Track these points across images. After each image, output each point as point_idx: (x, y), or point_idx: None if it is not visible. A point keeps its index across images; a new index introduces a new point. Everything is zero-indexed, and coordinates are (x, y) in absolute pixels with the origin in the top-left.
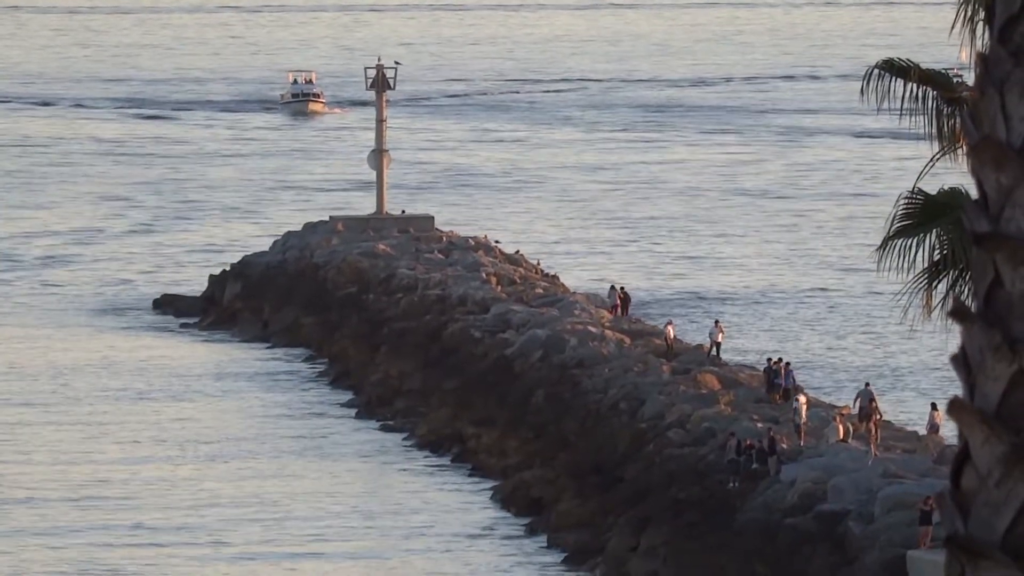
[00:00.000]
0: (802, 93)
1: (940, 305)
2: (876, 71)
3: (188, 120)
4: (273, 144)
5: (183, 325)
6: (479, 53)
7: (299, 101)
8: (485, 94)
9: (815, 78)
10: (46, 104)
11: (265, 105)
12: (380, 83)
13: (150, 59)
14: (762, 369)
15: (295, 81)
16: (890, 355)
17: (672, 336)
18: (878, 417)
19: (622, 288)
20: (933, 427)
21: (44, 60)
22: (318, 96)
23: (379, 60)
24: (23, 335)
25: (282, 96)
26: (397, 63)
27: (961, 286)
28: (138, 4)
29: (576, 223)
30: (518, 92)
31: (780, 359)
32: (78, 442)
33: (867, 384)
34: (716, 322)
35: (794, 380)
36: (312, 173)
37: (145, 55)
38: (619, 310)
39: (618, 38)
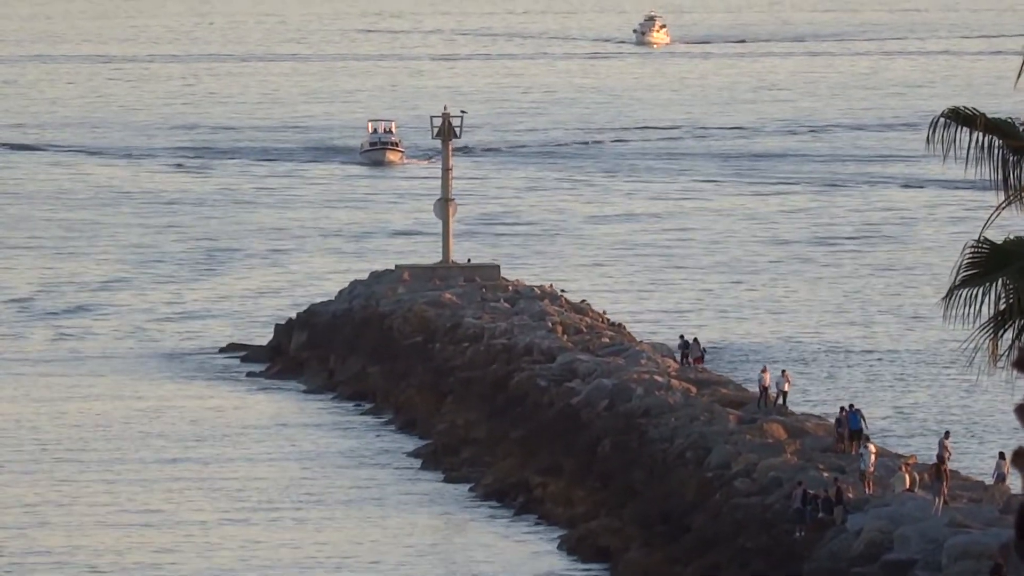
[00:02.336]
0: (868, 141)
1: (1006, 354)
2: (942, 120)
3: (259, 169)
4: (341, 192)
5: (249, 374)
6: (547, 102)
7: (377, 150)
8: (552, 143)
9: (882, 127)
10: (118, 155)
11: (340, 154)
12: (446, 132)
13: (222, 108)
14: (834, 419)
15: (375, 130)
16: (956, 404)
17: (768, 382)
18: (946, 466)
19: (695, 339)
20: (1000, 477)
21: (117, 110)
22: (396, 145)
23: (445, 109)
24: (91, 385)
25: (361, 145)
26: (463, 112)
27: None
28: (206, 52)
29: (643, 272)
30: (587, 143)
31: (851, 406)
32: (146, 498)
33: (946, 433)
34: (783, 372)
35: (864, 424)
36: (379, 221)
37: (218, 103)
38: (695, 360)
39: (683, 86)
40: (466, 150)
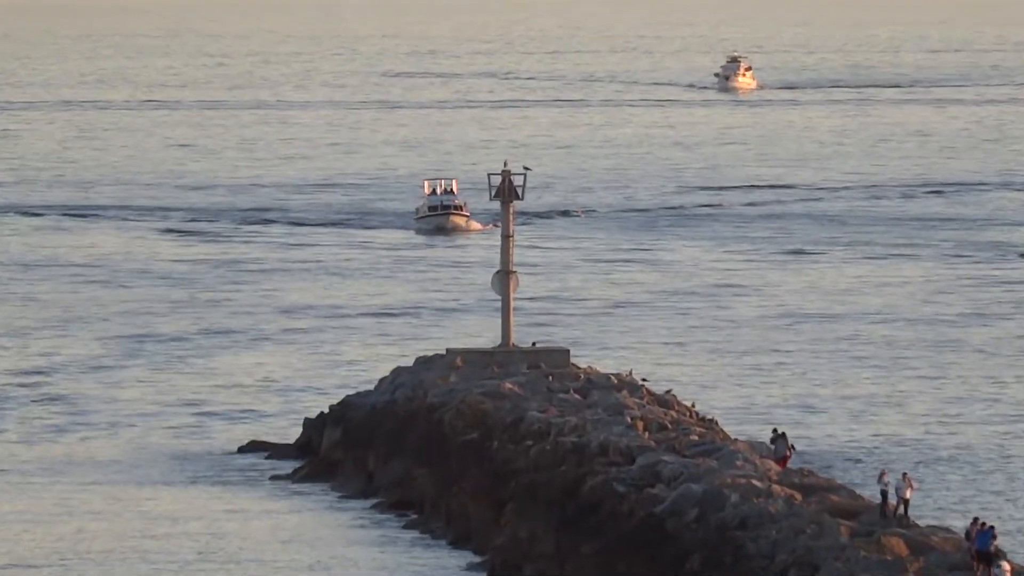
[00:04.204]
0: (997, 202)
1: None
2: None
3: (288, 237)
4: (383, 264)
5: (273, 478)
6: (620, 155)
7: (438, 215)
8: (629, 206)
9: (1009, 186)
10: (120, 219)
11: (387, 217)
12: (506, 192)
13: (243, 163)
14: (963, 533)
15: (433, 191)
16: None
17: (887, 482)
18: None
19: (782, 433)
20: None
21: (160, 170)
22: (460, 208)
23: (505, 165)
24: (85, 496)
25: (417, 210)
26: (527, 168)
27: None
28: (216, 97)
29: (738, 357)
30: (669, 206)
31: (984, 524)
32: None
33: None
34: (904, 475)
35: (995, 544)
36: (428, 297)
37: (240, 160)
38: (778, 462)
39: (776, 138)
40: (529, 214)
